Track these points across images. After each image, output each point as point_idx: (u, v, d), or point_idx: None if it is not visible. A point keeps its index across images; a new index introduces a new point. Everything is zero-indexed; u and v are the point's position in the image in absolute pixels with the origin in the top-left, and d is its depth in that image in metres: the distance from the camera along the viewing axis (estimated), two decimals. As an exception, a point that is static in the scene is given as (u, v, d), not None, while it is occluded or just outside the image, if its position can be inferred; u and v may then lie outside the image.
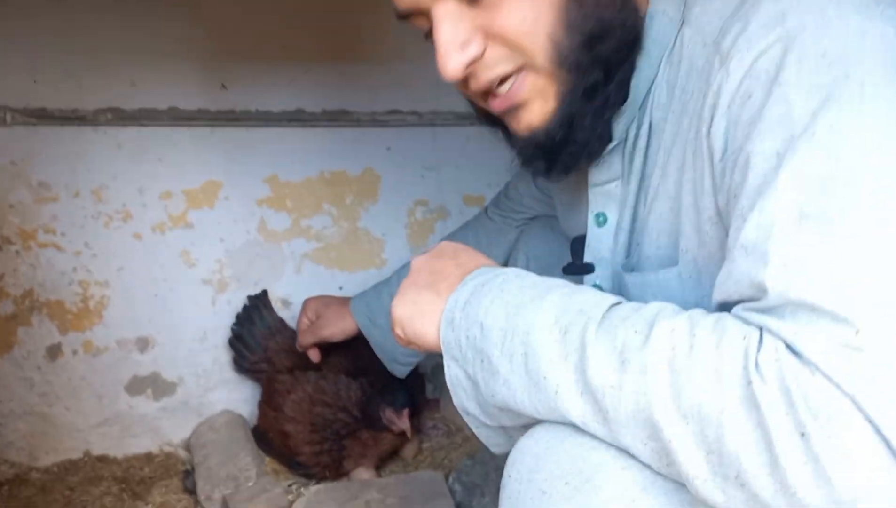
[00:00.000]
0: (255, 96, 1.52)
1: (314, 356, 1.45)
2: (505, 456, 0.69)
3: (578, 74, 0.70)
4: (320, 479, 1.40)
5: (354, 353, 1.42)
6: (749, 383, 0.50)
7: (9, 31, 1.36)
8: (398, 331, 0.76)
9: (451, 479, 1.34)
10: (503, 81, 0.71)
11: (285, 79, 1.53)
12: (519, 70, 0.70)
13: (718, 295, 0.60)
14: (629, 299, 0.75)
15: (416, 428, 1.50)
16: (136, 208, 1.49)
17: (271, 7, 1.49)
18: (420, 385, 1.50)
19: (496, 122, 0.81)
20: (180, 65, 1.46)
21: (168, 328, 1.55)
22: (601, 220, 0.83)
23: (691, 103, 0.67)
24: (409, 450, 1.50)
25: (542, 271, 0.73)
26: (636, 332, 0.58)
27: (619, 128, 0.76)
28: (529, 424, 0.66)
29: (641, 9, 0.73)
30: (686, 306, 0.60)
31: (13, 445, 1.48)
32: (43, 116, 1.40)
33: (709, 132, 0.62)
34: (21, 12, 1.35)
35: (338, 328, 1.39)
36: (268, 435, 1.46)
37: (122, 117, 1.44)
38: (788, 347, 0.50)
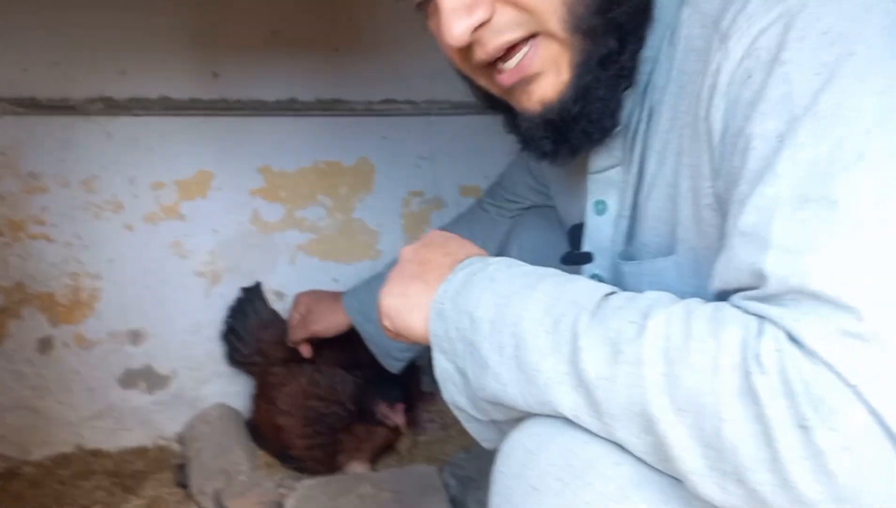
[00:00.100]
0: (248, 85, 1.50)
1: (305, 351, 1.43)
2: None
3: (593, 40, 0.67)
4: (314, 473, 1.39)
5: (349, 346, 1.40)
6: (748, 373, 0.48)
7: (-3, 19, 1.34)
8: (386, 323, 0.74)
9: (445, 473, 1.32)
10: (510, 51, 0.68)
11: (278, 67, 1.51)
12: (529, 37, 0.67)
13: (716, 284, 0.58)
14: (627, 288, 0.73)
15: (411, 422, 1.48)
16: (127, 199, 1.48)
17: (263, -7, 1.47)
18: (415, 378, 1.48)
19: (496, 103, 0.78)
20: (171, 53, 1.44)
21: (161, 320, 1.53)
22: (600, 208, 0.81)
23: (689, 85, 0.65)
24: (404, 444, 1.48)
25: (535, 262, 0.70)
26: (630, 322, 0.56)
27: (623, 111, 0.74)
28: (521, 418, 0.64)
29: None
30: (683, 296, 0.58)
31: (4, 439, 1.46)
32: (32, 106, 1.38)
33: (707, 115, 0.60)
34: (9, 0, 1.33)
35: (329, 323, 1.37)
36: (261, 429, 1.45)
37: (113, 107, 1.42)
38: (789, 336, 0.48)
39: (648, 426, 0.53)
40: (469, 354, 0.66)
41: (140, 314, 1.52)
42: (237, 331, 1.51)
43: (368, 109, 1.57)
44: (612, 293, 0.61)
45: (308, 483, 1.30)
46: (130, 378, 1.53)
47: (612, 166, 0.78)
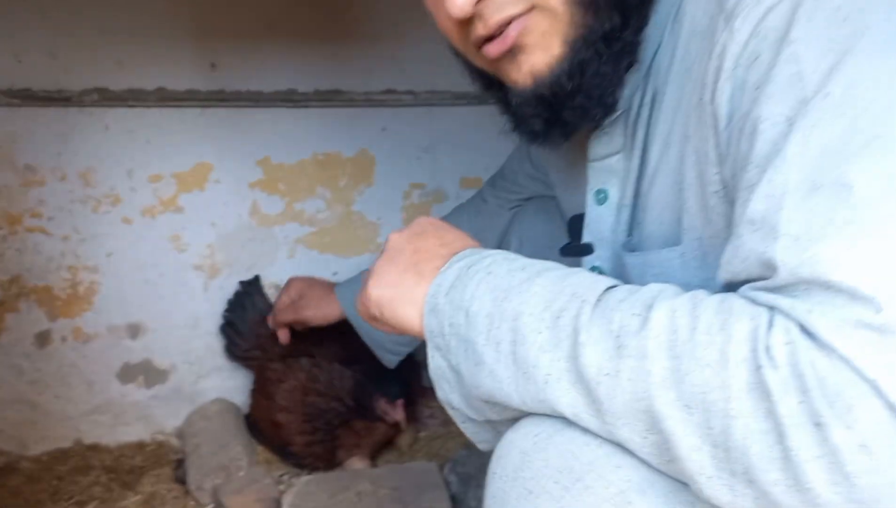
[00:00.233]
0: (246, 76, 1.47)
1: (283, 336, 1.40)
2: None
3: (595, 15, 0.64)
4: (313, 469, 1.37)
5: (347, 341, 1.37)
6: (758, 367, 0.46)
7: (-9, 8, 1.32)
8: (374, 312, 0.71)
9: (446, 470, 1.30)
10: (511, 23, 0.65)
11: (277, 58, 1.48)
12: (530, 10, 0.64)
13: (724, 275, 0.55)
14: (629, 281, 0.71)
15: (412, 417, 1.46)
16: (124, 192, 1.46)
17: (262, -17, 1.45)
18: (415, 373, 1.46)
19: (491, 84, 0.75)
20: (168, 44, 1.42)
21: (159, 314, 1.52)
22: (601, 197, 0.78)
23: (694, 68, 0.62)
24: (404, 440, 1.46)
25: (536, 254, 0.68)
26: (634, 314, 0.53)
27: (623, 94, 0.71)
28: (518, 419, 0.62)
29: None
30: (689, 288, 0.56)
31: (2, 433, 1.45)
32: (27, 97, 1.37)
33: (712, 98, 0.57)
34: (3, -11, 1.31)
35: (320, 311, 1.34)
36: (260, 425, 1.43)
37: (109, 98, 1.40)
38: (802, 328, 0.46)
39: (653, 423, 0.50)
40: (463, 350, 0.63)
41: (138, 308, 1.50)
42: (236, 325, 1.49)
43: (368, 100, 1.55)
44: (613, 287, 0.58)
45: (306, 480, 1.29)
46: (129, 373, 1.52)
47: (613, 154, 0.75)
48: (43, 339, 1.46)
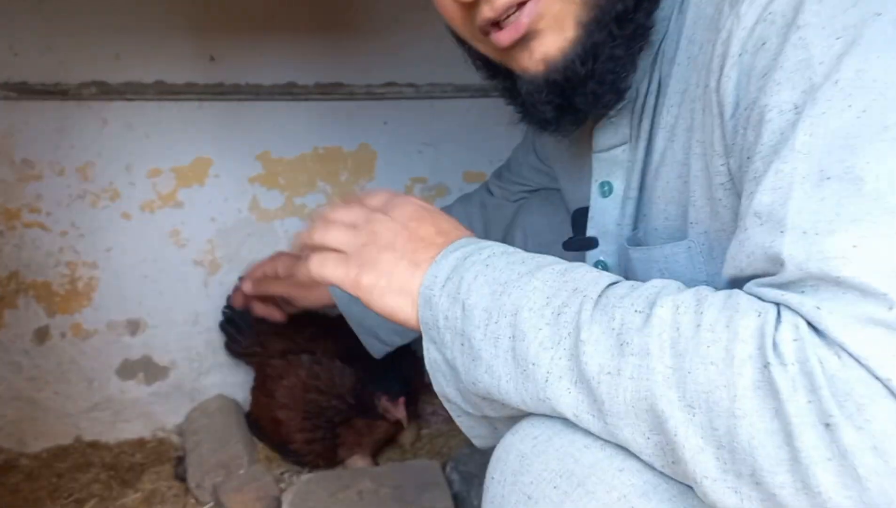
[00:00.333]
0: (246, 69, 1.45)
1: (260, 310, 1.32)
2: None
3: None
4: (314, 468, 1.36)
5: (348, 337, 1.36)
6: (766, 365, 0.44)
7: (-14, 1, 1.31)
8: (364, 298, 0.66)
9: (448, 468, 1.28)
10: (520, 7, 0.63)
11: (276, 50, 1.46)
12: None
13: (729, 270, 0.53)
14: (635, 276, 0.69)
15: (414, 414, 1.44)
16: (123, 187, 1.44)
17: (261, -26, 1.43)
18: (417, 369, 1.44)
19: (496, 72, 0.73)
20: (166, 36, 1.40)
21: (159, 310, 1.50)
22: (606, 189, 0.76)
23: (700, 55, 0.60)
24: (406, 437, 1.45)
25: (541, 248, 0.66)
26: (636, 311, 0.51)
27: (637, 75, 0.68)
28: (517, 415, 0.60)
29: None
30: (696, 283, 0.54)
31: (1, 431, 1.44)
32: (24, 91, 1.35)
33: (718, 86, 0.55)
34: (-1, -19, 1.30)
35: (312, 295, 1.28)
36: (260, 422, 1.42)
37: (107, 91, 1.39)
38: (811, 325, 0.44)
39: (656, 424, 0.49)
40: (460, 345, 0.61)
41: (138, 304, 1.49)
42: (235, 321, 1.47)
43: (369, 93, 1.53)
44: (615, 283, 0.56)
45: (307, 478, 1.27)
46: (129, 369, 1.51)
47: (619, 145, 0.73)
48: (42, 335, 1.45)
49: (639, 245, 0.71)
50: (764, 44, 0.52)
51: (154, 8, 1.38)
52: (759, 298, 0.48)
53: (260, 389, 1.42)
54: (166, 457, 1.45)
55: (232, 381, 1.55)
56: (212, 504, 1.28)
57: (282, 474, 1.36)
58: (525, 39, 0.64)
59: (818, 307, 0.44)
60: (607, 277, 0.57)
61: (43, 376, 1.45)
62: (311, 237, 0.71)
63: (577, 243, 0.80)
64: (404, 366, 1.35)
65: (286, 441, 1.35)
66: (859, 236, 0.44)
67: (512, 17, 0.63)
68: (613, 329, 0.52)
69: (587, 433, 0.54)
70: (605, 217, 0.77)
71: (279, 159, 1.52)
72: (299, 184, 1.54)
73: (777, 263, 0.47)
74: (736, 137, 0.54)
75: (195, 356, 1.54)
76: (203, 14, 1.41)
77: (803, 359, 0.43)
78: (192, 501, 1.31)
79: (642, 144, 0.70)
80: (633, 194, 0.72)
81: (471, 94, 1.54)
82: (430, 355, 0.65)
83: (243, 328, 1.47)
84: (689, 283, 0.55)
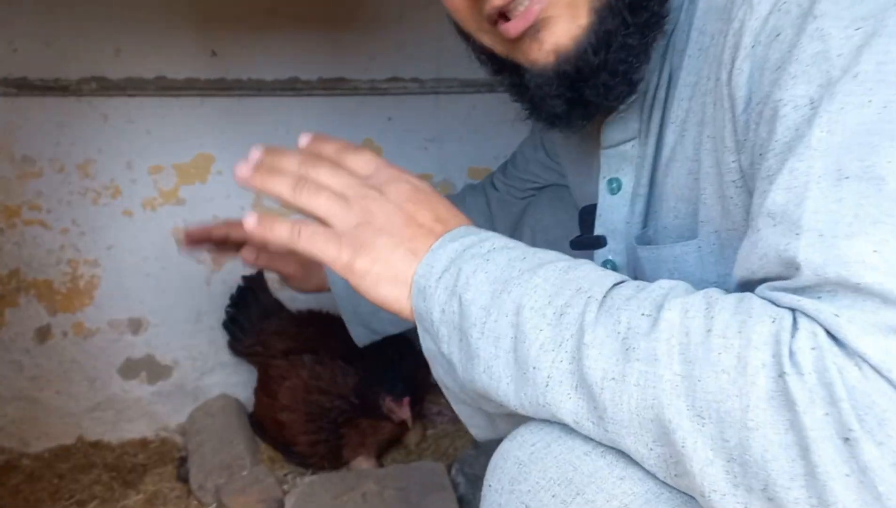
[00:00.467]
0: (248, 64, 1.44)
1: (248, 256, 1.14)
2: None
3: None
4: (318, 469, 1.34)
5: (350, 336, 1.34)
6: (781, 374, 0.41)
7: (-15, -4, 1.29)
8: (356, 284, 0.62)
9: (453, 470, 1.26)
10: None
11: (279, 45, 1.44)
12: None
13: (740, 272, 0.51)
14: (644, 277, 0.66)
15: (419, 414, 1.42)
16: (124, 184, 1.43)
17: (263, -32, 1.41)
18: (422, 369, 1.42)
19: (502, 66, 0.70)
20: (167, 31, 1.39)
21: (161, 308, 1.49)
22: (614, 187, 0.73)
23: (711, 46, 0.57)
24: (412, 438, 1.43)
25: (549, 246, 0.62)
26: (643, 315, 0.49)
27: (649, 66, 0.65)
28: (515, 414, 0.57)
29: None
30: (705, 285, 0.51)
31: (3, 430, 1.44)
32: (24, 87, 1.34)
33: (729, 79, 0.53)
34: (-2, -24, 1.28)
35: (312, 276, 1.19)
36: (263, 423, 1.40)
37: (107, 87, 1.37)
38: (829, 333, 0.41)
39: (662, 434, 0.46)
40: (457, 341, 0.58)
41: (140, 303, 1.48)
42: (238, 321, 1.46)
43: (373, 89, 1.51)
44: (620, 283, 0.54)
45: (310, 480, 1.26)
46: (131, 368, 1.50)
47: (628, 140, 0.70)
48: (43, 334, 1.44)
49: (648, 244, 0.69)
50: (778, 35, 0.49)
51: (155, 2, 1.37)
52: (773, 302, 0.46)
53: (262, 390, 1.40)
54: (169, 458, 1.44)
55: (235, 380, 1.54)
56: (214, 506, 1.27)
57: (285, 475, 1.35)
58: (534, 30, 0.62)
59: (837, 315, 0.41)
60: (612, 276, 0.55)
61: (44, 375, 1.45)
62: (296, 197, 0.65)
63: (585, 242, 0.78)
64: (409, 365, 1.33)
65: (290, 443, 1.33)
66: (880, 240, 0.41)
67: (521, 7, 0.61)
68: (619, 333, 0.49)
69: (587, 439, 0.52)
70: (614, 215, 0.74)
71: (282, 156, 1.50)
72: (302, 181, 1.52)
73: (792, 266, 0.45)
74: (748, 133, 0.52)
75: (198, 354, 1.53)
76: (205, 8, 1.40)
77: (822, 369, 0.40)
78: (195, 503, 1.29)
79: (652, 139, 0.68)
80: (643, 190, 0.70)
81: (476, 89, 1.52)
82: (426, 344, 0.62)
83: (246, 328, 1.45)
84: (699, 284, 0.52)
